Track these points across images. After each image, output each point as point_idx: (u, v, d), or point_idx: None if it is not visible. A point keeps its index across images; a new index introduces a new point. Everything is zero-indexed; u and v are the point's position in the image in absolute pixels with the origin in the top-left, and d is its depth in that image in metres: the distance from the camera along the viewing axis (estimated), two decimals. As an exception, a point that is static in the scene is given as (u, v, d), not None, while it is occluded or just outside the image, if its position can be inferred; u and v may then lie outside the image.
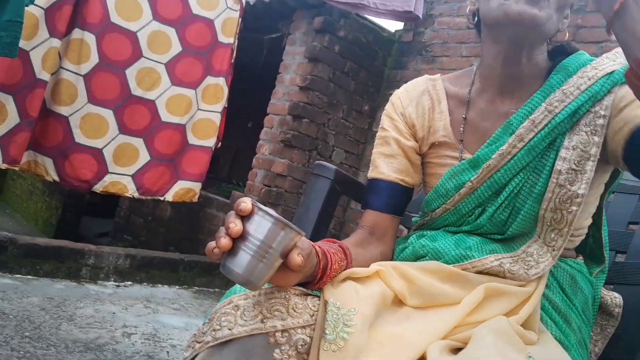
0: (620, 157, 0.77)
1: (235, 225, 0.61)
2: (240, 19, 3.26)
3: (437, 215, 0.90)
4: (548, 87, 0.83)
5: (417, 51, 3.63)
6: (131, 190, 2.99)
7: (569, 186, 0.78)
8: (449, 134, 0.91)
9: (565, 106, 0.80)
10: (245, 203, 0.61)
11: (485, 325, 0.70)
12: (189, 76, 3.15)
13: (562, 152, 0.79)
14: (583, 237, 0.90)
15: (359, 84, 3.62)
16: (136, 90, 2.97)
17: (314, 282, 0.72)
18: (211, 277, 3.09)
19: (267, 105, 3.53)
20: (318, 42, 3.33)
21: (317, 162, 1.12)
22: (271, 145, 3.39)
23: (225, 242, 0.61)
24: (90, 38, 2.80)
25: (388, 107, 0.98)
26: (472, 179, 0.84)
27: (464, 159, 0.88)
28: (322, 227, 1.07)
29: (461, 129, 0.90)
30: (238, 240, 0.62)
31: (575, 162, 0.78)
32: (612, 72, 0.80)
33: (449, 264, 0.81)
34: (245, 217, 0.62)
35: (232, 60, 3.27)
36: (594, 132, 0.79)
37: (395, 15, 2.88)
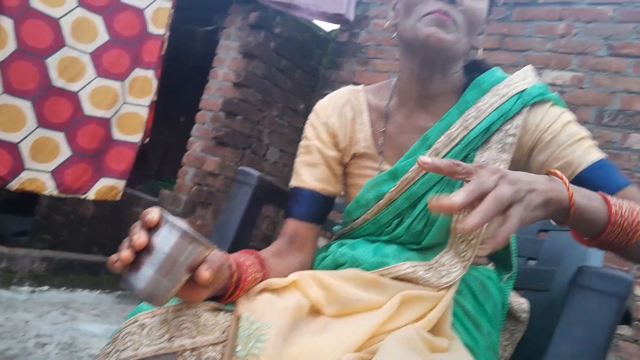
0: None
1: (140, 237, 0.58)
2: (172, 10, 3.14)
3: (357, 225, 0.92)
4: (463, 103, 0.86)
5: (352, 52, 3.65)
6: (50, 188, 2.81)
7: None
8: (369, 146, 0.93)
9: (479, 122, 0.83)
10: (152, 214, 0.59)
11: (393, 335, 0.70)
12: (115, 67, 3.00)
13: None
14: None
15: (295, 82, 3.59)
16: (58, 81, 2.79)
17: (226, 295, 0.70)
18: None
19: (199, 100, 3.43)
20: (253, 38, 3.27)
21: (240, 168, 1.08)
22: (203, 142, 3.30)
23: (126, 254, 0.58)
24: (7, 23, 2.60)
25: (312, 116, 0.99)
26: (391, 190, 0.86)
27: (383, 171, 0.90)
28: (244, 236, 1.04)
29: (380, 141, 0.92)
30: (142, 253, 0.59)
31: None
32: (523, 90, 0.84)
33: (367, 270, 0.82)
34: (152, 229, 0.59)
35: (163, 52, 3.15)
36: (502, 149, 0.82)
37: (327, 17, 2.87)
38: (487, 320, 0.85)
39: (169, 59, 3.21)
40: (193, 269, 0.61)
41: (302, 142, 0.98)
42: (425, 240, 0.85)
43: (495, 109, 0.83)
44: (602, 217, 0.66)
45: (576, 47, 2.80)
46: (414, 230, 0.85)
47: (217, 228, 1.05)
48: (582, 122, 2.67)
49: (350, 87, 1.00)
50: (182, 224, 0.59)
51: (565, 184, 0.64)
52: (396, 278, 0.81)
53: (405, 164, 0.86)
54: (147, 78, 3.10)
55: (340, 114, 0.96)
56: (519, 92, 0.83)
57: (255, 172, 1.06)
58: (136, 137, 3.08)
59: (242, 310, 0.69)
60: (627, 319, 0.75)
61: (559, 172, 0.66)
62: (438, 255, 0.84)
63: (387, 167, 0.90)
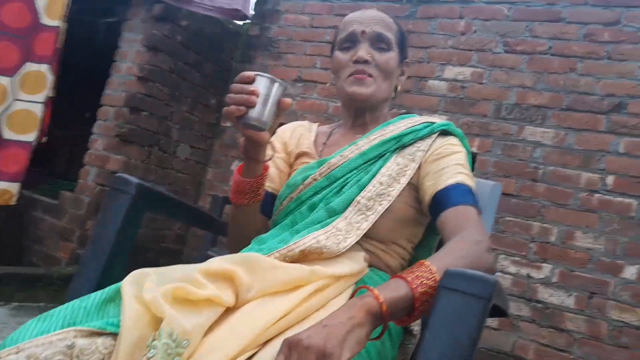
0: (427, 205, 0.99)
1: (249, 87, 0.87)
2: (69, 0, 2.92)
3: (283, 207, 1.08)
4: (386, 123, 1.12)
5: (264, 46, 3.60)
6: None
7: (386, 187, 1.00)
8: (311, 147, 1.16)
9: (394, 133, 1.07)
10: (248, 73, 0.88)
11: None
12: (3, 62, 2.74)
13: (388, 164, 1.03)
14: (400, 256, 1.06)
15: (205, 76, 3.48)
16: None
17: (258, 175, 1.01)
18: (34, 291, 2.75)
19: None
20: (158, 31, 3.12)
21: (117, 175, 1.01)
22: (105, 140, 3.12)
23: (253, 99, 0.87)
24: None
25: (273, 136, 1.22)
26: (316, 172, 1.06)
27: None
28: (123, 249, 0.97)
29: (321, 147, 1.16)
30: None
31: (395, 173, 1.02)
32: (432, 122, 1.09)
33: (271, 251, 0.90)
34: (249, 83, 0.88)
35: (59, 45, 2.93)
36: (413, 159, 1.04)
37: (223, 12, 2.80)
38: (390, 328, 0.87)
39: (69, 52, 2.99)
40: (279, 101, 0.90)
41: None
42: (331, 207, 0.99)
43: (408, 127, 1.07)
44: (410, 296, 0.71)
45: (475, 44, 2.93)
46: (328, 201, 1.01)
47: (92, 241, 0.97)
48: (482, 115, 2.81)
49: (308, 121, 1.28)
50: (268, 75, 0.89)
51: (373, 292, 0.70)
52: (302, 253, 0.88)
53: (332, 155, 1.08)
54: (41, 73, 2.86)
55: (293, 130, 1.23)
56: (429, 122, 1.09)
57: (133, 179, 1.00)
58: (30, 136, 2.84)
59: (168, 322, 0.68)
60: (502, 312, 0.78)
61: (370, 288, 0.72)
62: (335, 222, 0.95)
63: None
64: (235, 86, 0.89)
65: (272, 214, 1.13)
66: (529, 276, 2.55)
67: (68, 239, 3.05)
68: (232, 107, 0.88)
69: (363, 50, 1.08)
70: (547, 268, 2.51)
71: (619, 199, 2.45)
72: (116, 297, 0.79)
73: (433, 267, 0.74)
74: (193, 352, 0.69)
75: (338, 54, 1.13)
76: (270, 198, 1.13)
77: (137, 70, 3.10)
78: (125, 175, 1.00)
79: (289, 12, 3.57)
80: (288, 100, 0.92)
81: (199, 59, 3.40)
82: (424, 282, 0.72)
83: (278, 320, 0.75)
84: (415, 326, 1.02)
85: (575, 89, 2.64)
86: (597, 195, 2.49)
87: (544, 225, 2.57)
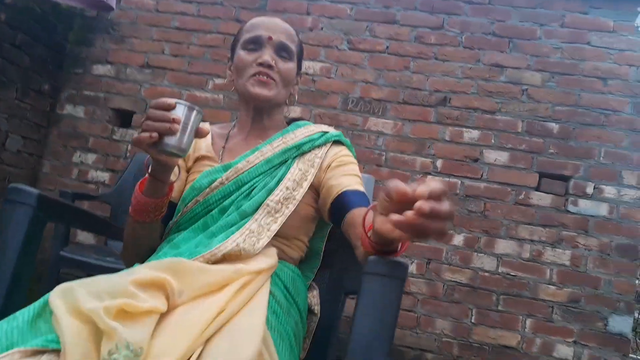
0: (327, 208, 1.10)
1: (172, 115, 0.89)
2: None
3: (188, 209, 1.11)
4: (285, 131, 1.20)
5: (104, 29, 3.35)
6: None
7: (291, 190, 1.09)
8: (210, 151, 1.19)
9: (295, 141, 1.16)
10: (169, 100, 0.89)
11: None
12: None
13: (291, 169, 1.13)
14: (300, 249, 1.16)
15: (36, 59, 3.13)
16: None
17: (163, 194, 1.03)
18: None
19: None
20: (-25, 6, 2.71)
21: (11, 185, 0.94)
22: None
23: (176, 127, 0.88)
24: None
25: None
26: (222, 176, 1.10)
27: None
28: (26, 265, 0.91)
29: (220, 152, 1.19)
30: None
31: (298, 178, 1.12)
32: (327, 132, 1.20)
33: (194, 256, 0.95)
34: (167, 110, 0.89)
35: None
36: (312, 165, 1.15)
37: (86, 3, 2.58)
38: (296, 312, 0.97)
39: None
40: (196, 129, 0.93)
41: None
42: (241, 210, 1.05)
43: (306, 136, 1.18)
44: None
45: (323, 40, 3.14)
46: (239, 204, 1.07)
47: (-10, 259, 0.90)
48: (331, 107, 3.03)
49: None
50: (186, 102, 0.91)
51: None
52: (224, 256, 0.95)
53: (237, 160, 1.13)
54: None
55: None
56: (323, 131, 1.20)
57: (32, 190, 0.94)
58: None
59: (120, 337, 0.70)
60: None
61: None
62: (247, 224, 1.03)
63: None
64: (154, 113, 0.89)
65: (173, 217, 1.15)
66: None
67: None
68: (145, 134, 0.88)
69: (268, 55, 1.14)
70: (391, 242, 2.86)
71: (447, 179, 2.89)
72: (43, 313, 0.78)
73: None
74: (144, 358, 0.72)
75: (242, 53, 1.17)
76: (171, 208, 1.15)
77: (-49, 51, 2.67)
78: (22, 186, 0.94)
79: (130, -6, 3.37)
80: (206, 129, 0.95)
81: (28, 40, 3.04)
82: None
83: (216, 317, 0.81)
84: (316, 305, 1.18)
85: (409, 85, 3.01)
86: (429, 176, 2.90)
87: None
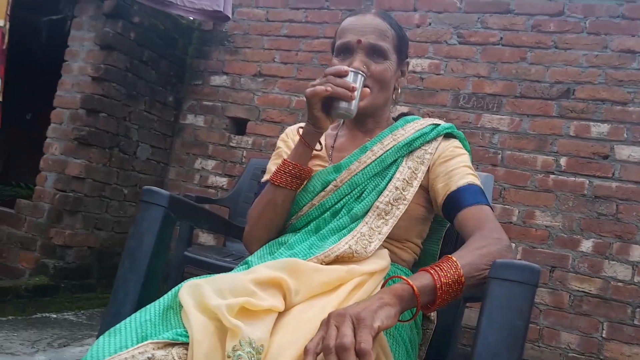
0: (440, 210, 1.07)
1: (348, 81, 0.96)
2: (10, -3, 2.75)
3: (304, 213, 1.10)
4: (394, 127, 1.16)
5: (219, 41, 3.56)
6: None
7: (401, 190, 1.06)
8: (322, 150, 1.16)
9: (405, 137, 1.12)
10: (345, 67, 0.98)
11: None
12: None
13: (400, 168, 1.09)
14: (413, 251, 1.14)
15: (161, 74, 3.40)
16: None
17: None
18: (2, 304, 2.61)
19: (48, 95, 3.08)
20: (110, 28, 3.01)
21: (145, 187, 1.01)
22: (62, 144, 2.99)
23: (354, 95, 0.96)
24: None
25: (283, 134, 1.27)
26: (337, 179, 1.09)
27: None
28: (159, 260, 0.98)
29: (330, 150, 1.18)
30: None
31: (407, 177, 1.08)
32: (438, 124, 1.15)
33: (309, 257, 0.95)
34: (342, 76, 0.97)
35: (4, 47, 2.76)
36: (422, 162, 1.11)
37: (205, 14, 2.77)
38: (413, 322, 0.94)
39: (9, 52, 2.82)
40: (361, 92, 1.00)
41: (275, 152, 1.25)
42: (353, 213, 1.04)
43: (417, 131, 1.13)
44: (434, 286, 0.80)
45: (430, 36, 3.05)
46: (350, 207, 1.05)
47: (128, 255, 0.97)
48: (440, 105, 2.93)
49: None
50: (350, 68, 0.99)
51: (408, 281, 0.79)
52: (337, 257, 0.95)
53: (347, 160, 1.10)
54: (-13, 76, 2.70)
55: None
56: (434, 124, 1.15)
57: (164, 192, 1.01)
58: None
59: (243, 334, 0.72)
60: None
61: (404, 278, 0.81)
62: (358, 227, 1.02)
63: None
64: (334, 79, 0.96)
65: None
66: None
67: (29, 248, 2.92)
68: (321, 87, 0.95)
69: (358, 61, 1.08)
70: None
71: (572, 178, 2.66)
72: (173, 305, 0.82)
73: (458, 263, 0.82)
74: (265, 355, 0.73)
75: (335, 61, 1.14)
76: None
77: (92, 70, 2.99)
78: (155, 188, 1.01)
79: (242, 6, 3.55)
80: (367, 89, 1.02)
81: (154, 56, 3.32)
82: (448, 275, 0.80)
83: None
84: (433, 313, 1.13)
85: (526, 77, 2.82)
86: (552, 176, 2.68)
87: (505, 206, 2.75)
